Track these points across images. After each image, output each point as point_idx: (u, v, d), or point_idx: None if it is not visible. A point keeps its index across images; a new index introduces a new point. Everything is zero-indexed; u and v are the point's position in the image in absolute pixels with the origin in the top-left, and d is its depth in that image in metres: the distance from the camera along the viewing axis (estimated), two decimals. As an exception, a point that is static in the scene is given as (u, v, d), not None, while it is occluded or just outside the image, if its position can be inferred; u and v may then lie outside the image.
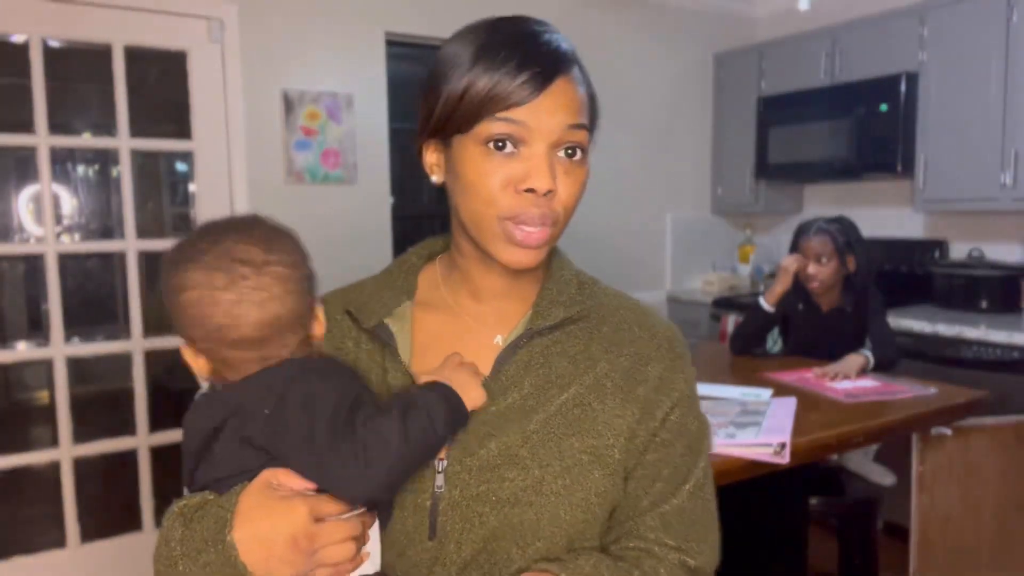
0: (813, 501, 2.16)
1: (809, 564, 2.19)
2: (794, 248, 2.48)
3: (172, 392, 2.94)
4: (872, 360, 2.22)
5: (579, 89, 0.82)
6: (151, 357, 2.81)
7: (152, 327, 2.78)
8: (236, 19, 2.90)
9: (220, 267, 0.77)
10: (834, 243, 2.39)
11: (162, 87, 2.89)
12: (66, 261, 2.72)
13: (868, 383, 2.07)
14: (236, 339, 0.78)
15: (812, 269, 2.42)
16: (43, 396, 2.82)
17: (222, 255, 0.78)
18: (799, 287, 2.48)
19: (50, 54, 2.62)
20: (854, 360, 2.19)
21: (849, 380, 2.10)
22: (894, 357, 2.33)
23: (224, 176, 2.93)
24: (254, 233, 0.81)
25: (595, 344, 0.90)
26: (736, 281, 4.21)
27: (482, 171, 0.79)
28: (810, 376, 2.14)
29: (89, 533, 2.80)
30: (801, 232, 2.48)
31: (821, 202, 4.10)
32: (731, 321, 3.67)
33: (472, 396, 0.83)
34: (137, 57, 2.75)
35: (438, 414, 0.80)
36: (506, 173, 0.79)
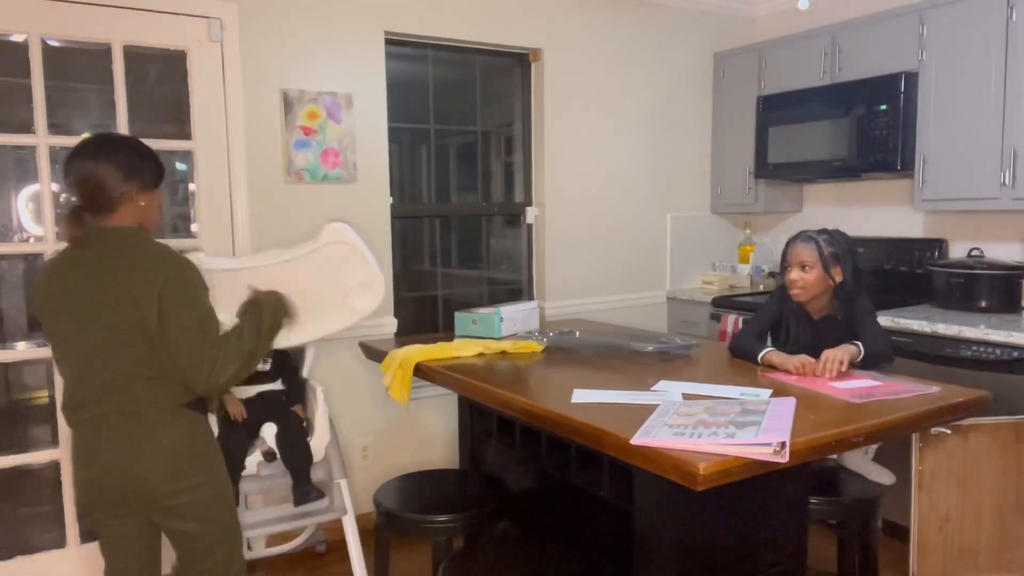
0: (813, 501, 2.17)
1: (809, 564, 2.19)
2: (784, 256, 2.49)
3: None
4: (863, 351, 2.22)
5: None
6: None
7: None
8: (236, 19, 2.90)
9: None
10: (819, 252, 2.39)
11: (162, 87, 2.89)
12: (66, 261, 2.72)
13: (873, 383, 2.07)
14: None
15: (794, 275, 2.42)
16: (43, 396, 2.81)
17: None
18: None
19: (50, 54, 2.62)
20: (844, 348, 2.20)
21: (852, 379, 2.10)
22: (886, 352, 2.33)
23: (224, 176, 2.93)
24: None
25: None
26: (736, 281, 4.22)
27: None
28: (811, 376, 2.14)
29: (89, 533, 2.80)
30: (791, 240, 2.49)
31: (821, 201, 4.10)
32: (731, 321, 3.67)
33: None
34: (137, 57, 2.76)
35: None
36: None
